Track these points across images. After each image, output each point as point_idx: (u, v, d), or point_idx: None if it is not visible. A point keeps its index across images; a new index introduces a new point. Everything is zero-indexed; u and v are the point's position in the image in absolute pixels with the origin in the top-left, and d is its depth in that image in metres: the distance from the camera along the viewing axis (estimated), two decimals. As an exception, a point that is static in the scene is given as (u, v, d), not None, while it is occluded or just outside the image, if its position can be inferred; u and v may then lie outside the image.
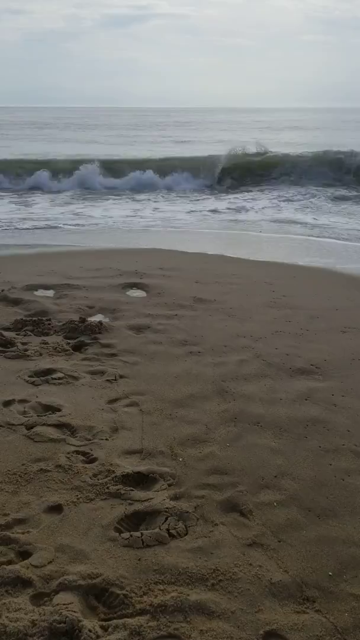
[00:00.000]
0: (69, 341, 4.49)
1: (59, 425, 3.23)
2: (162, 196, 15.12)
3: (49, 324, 4.81)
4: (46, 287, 6.09)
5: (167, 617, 2.00)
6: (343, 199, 14.71)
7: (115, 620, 1.99)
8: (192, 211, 12.74)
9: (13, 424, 3.22)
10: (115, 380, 3.83)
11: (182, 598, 2.07)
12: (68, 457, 2.92)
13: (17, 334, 4.61)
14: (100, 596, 2.11)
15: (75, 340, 4.49)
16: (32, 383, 3.74)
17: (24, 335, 4.60)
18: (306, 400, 3.65)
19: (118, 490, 2.66)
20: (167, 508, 2.53)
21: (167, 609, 2.03)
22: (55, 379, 3.80)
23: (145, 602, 2.06)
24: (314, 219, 11.78)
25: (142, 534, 2.39)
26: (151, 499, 2.61)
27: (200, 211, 12.77)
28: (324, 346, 4.60)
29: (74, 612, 1.99)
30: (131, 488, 2.69)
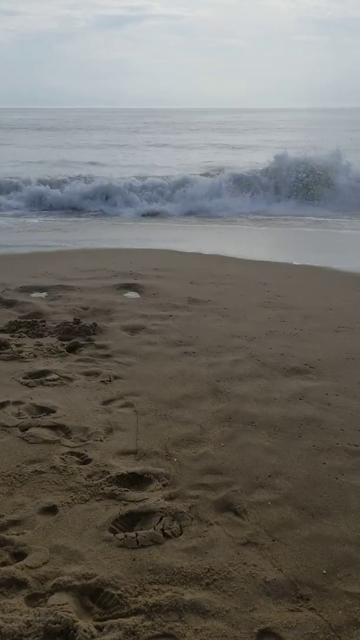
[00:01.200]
0: (63, 342, 4.49)
1: (54, 427, 3.23)
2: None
3: (44, 326, 4.81)
4: (40, 289, 6.09)
5: (162, 616, 2.01)
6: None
7: (110, 621, 1.99)
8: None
9: (7, 426, 3.22)
10: (109, 381, 3.84)
11: (177, 598, 2.07)
12: (63, 459, 2.92)
13: (11, 336, 4.61)
14: (95, 596, 2.11)
15: (70, 342, 4.49)
16: (27, 385, 3.74)
17: (19, 337, 4.60)
18: (300, 399, 3.66)
19: (113, 491, 2.67)
20: (161, 508, 2.54)
21: (161, 608, 2.03)
22: (49, 380, 3.80)
23: (140, 602, 2.07)
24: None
25: (136, 534, 2.40)
26: (146, 499, 2.61)
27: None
28: (318, 346, 4.62)
29: (69, 612, 1.99)
30: (126, 489, 2.69)
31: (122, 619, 1.99)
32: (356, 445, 3.14)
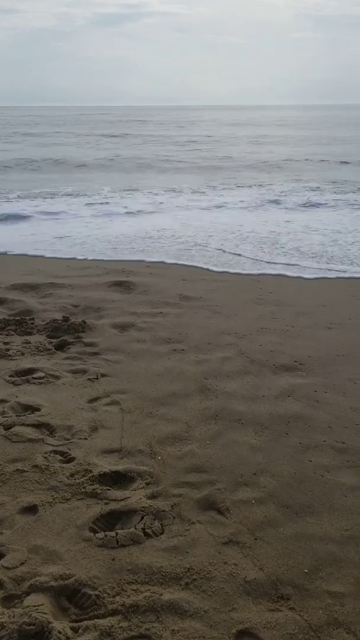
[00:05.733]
0: (51, 340, 4.45)
1: (38, 425, 3.19)
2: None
3: (32, 324, 4.77)
4: (31, 287, 6.04)
5: (139, 617, 1.98)
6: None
7: (86, 622, 1.96)
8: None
9: (-9, 424, 3.19)
10: (96, 379, 3.80)
11: (155, 598, 2.04)
12: (45, 457, 2.89)
13: (-1, 334, 4.57)
14: (72, 597, 2.08)
15: (58, 340, 4.45)
16: (13, 383, 3.71)
17: (7, 335, 4.56)
18: (288, 396, 3.63)
19: (94, 489, 2.63)
20: (143, 507, 2.51)
21: (139, 609, 2.00)
22: (36, 378, 3.76)
23: (117, 602, 2.03)
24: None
25: (117, 533, 2.36)
26: (128, 498, 2.58)
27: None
28: (309, 342, 4.59)
29: (44, 613, 1.96)
30: (108, 487, 2.66)
31: (98, 620, 1.96)
32: (343, 443, 3.10)
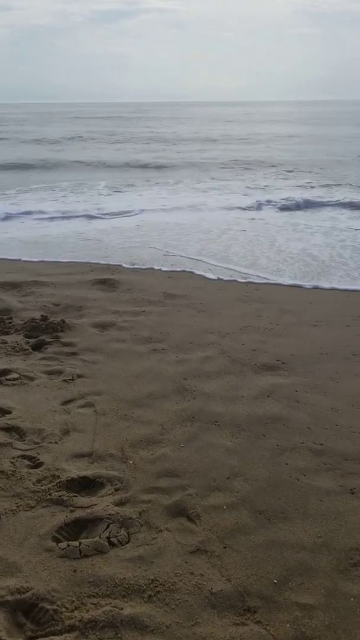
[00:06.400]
0: (28, 340, 4.34)
1: (7, 429, 3.09)
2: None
3: (10, 323, 4.66)
4: (13, 285, 5.93)
5: (97, 633, 1.88)
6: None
7: (41, 638, 1.87)
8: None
9: None
10: (72, 380, 3.70)
11: (115, 612, 1.95)
12: (12, 462, 2.79)
13: (-24, 334, 4.46)
14: (29, 612, 1.98)
15: (36, 339, 4.35)
16: (-15, 385, 3.60)
17: (-16, 335, 4.45)
18: (268, 397, 3.54)
19: (61, 496, 2.54)
20: (109, 514, 2.41)
21: (97, 624, 1.91)
22: (9, 379, 3.66)
23: (75, 617, 1.94)
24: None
25: (80, 543, 2.27)
26: (94, 505, 2.48)
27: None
28: (293, 340, 4.49)
29: (-3, 630, 1.87)
30: (74, 494, 2.57)
31: (54, 637, 1.87)
32: (321, 444, 3.01)
